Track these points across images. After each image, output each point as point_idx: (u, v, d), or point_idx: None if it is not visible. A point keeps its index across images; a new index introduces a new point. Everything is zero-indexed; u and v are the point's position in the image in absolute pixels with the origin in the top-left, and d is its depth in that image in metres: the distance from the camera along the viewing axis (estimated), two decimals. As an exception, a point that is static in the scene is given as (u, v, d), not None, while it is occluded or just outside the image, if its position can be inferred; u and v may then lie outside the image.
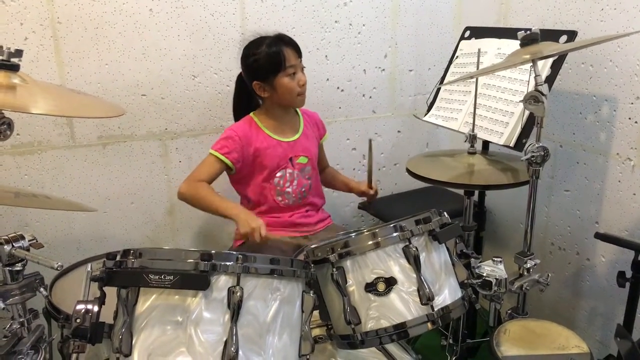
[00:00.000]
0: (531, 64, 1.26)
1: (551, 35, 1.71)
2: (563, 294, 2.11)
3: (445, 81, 2.06)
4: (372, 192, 1.95)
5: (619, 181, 1.83)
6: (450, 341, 1.70)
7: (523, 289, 1.39)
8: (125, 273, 0.92)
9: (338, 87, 2.38)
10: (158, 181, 2.18)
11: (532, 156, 1.32)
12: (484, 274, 1.31)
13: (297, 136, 1.92)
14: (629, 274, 1.55)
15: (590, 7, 1.84)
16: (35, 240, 1.11)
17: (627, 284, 1.55)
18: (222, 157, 1.79)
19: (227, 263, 0.91)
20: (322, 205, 2.03)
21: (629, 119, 1.77)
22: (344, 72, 2.37)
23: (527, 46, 1.29)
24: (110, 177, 2.09)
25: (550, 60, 1.65)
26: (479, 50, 1.66)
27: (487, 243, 2.33)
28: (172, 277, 0.88)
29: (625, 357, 1.09)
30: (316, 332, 1.25)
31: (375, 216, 2.44)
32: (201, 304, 0.90)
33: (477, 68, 1.66)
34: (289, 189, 1.89)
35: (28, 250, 1.09)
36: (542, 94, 1.27)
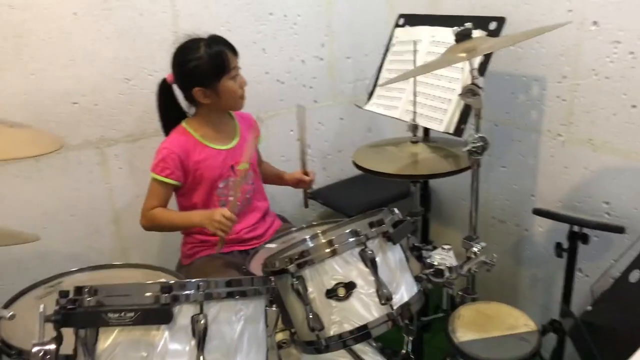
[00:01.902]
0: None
1: (481, 22, 1.76)
2: (506, 263, 2.22)
3: (383, 70, 2.09)
4: (308, 178, 1.92)
5: (551, 156, 1.94)
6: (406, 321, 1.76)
7: (471, 271, 1.46)
8: (82, 313, 0.89)
9: (278, 80, 2.36)
10: (99, 190, 2.10)
11: (473, 147, 1.38)
12: (435, 263, 1.37)
13: (235, 142, 1.85)
14: (565, 245, 1.67)
15: (516, -10, 1.90)
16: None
17: (564, 254, 1.67)
18: (166, 180, 1.73)
19: (189, 292, 0.91)
20: (267, 208, 1.98)
21: (557, 97, 1.87)
22: (283, 64, 2.35)
23: (462, 42, 1.32)
24: (47, 192, 2.00)
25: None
26: (415, 42, 1.69)
27: (433, 221, 2.41)
28: (132, 314, 0.87)
29: (569, 333, 1.17)
30: (279, 336, 1.27)
31: (324, 205, 2.47)
32: (165, 336, 0.89)
33: (415, 62, 1.69)
34: (232, 198, 1.80)
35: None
36: (479, 87, 1.32)
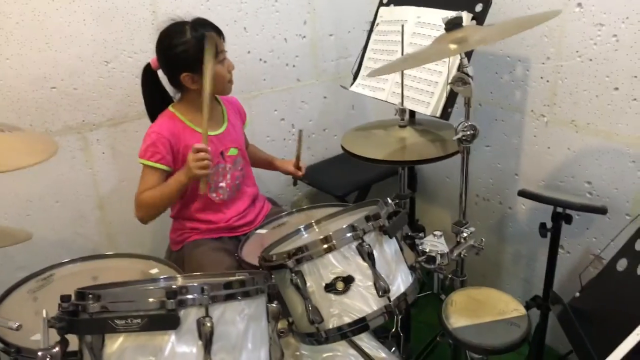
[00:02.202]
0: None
1: (467, 4, 1.76)
2: (490, 239, 2.25)
3: (368, 51, 2.07)
4: (300, 173, 1.97)
5: (535, 136, 1.97)
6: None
7: (461, 256, 1.50)
8: (87, 320, 0.89)
9: (260, 59, 2.33)
10: (82, 175, 2.07)
11: (463, 135, 1.39)
12: (427, 250, 1.40)
13: (223, 128, 1.83)
14: (549, 225, 1.72)
15: (501, -32, 1.89)
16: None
17: (548, 234, 1.72)
18: (157, 165, 1.68)
19: (194, 296, 0.91)
20: (257, 194, 1.97)
21: (541, 78, 1.89)
22: (265, 42, 2.31)
23: (452, 31, 1.32)
24: (30, 178, 1.96)
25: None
26: (402, 26, 1.68)
27: (418, 199, 2.45)
28: (139, 321, 0.87)
29: (558, 318, 1.23)
30: (278, 326, 1.29)
31: (310, 185, 2.48)
32: (172, 340, 0.90)
33: (402, 49, 1.68)
34: (222, 184, 1.81)
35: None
36: (469, 76, 1.33)
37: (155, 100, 1.80)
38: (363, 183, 2.35)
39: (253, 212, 1.91)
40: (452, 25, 1.32)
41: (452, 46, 1.27)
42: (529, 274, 2.15)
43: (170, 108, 1.78)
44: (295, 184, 2.08)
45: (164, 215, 1.93)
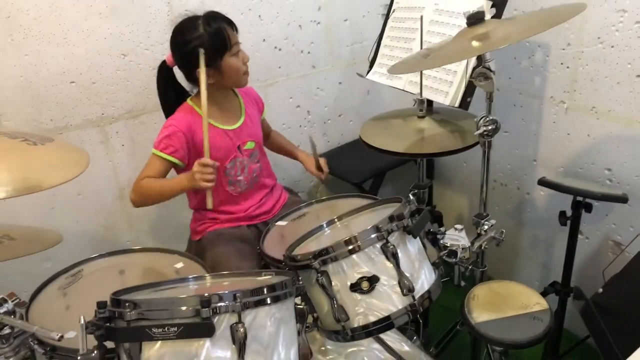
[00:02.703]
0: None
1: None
2: (507, 224, 2.29)
3: (384, 38, 2.05)
4: (323, 176, 1.98)
5: (554, 122, 1.96)
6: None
7: (482, 248, 1.51)
8: (126, 328, 0.93)
9: (275, 47, 2.32)
10: (103, 168, 2.10)
11: (485, 130, 1.39)
12: (448, 244, 1.42)
13: (241, 121, 1.84)
14: (569, 214, 1.72)
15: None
16: (18, 300, 1.07)
17: (568, 222, 1.73)
18: (169, 157, 1.70)
19: (227, 303, 0.94)
20: (275, 184, 2.00)
21: (561, 64, 1.87)
22: (280, 30, 2.30)
23: (474, 25, 1.31)
24: (52, 173, 1.99)
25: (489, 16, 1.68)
26: (422, 18, 1.66)
27: (435, 184, 2.45)
28: (176, 329, 0.90)
29: (581, 313, 1.24)
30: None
31: (327, 172, 2.49)
32: (207, 345, 0.93)
33: (421, 42, 1.67)
34: (240, 177, 1.83)
35: (14, 314, 1.06)
36: (491, 71, 1.32)
37: (170, 97, 1.82)
38: (379, 170, 2.35)
39: (271, 202, 1.95)
40: (474, 20, 1.30)
41: (475, 44, 1.26)
42: (547, 259, 2.16)
43: (188, 101, 1.79)
44: (322, 182, 2.09)
45: (184, 206, 1.96)
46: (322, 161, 1.96)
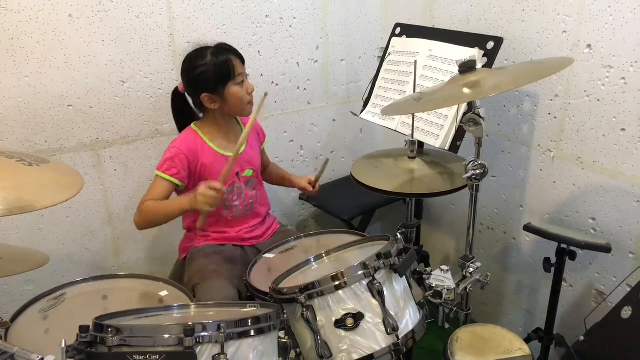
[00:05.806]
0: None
1: (479, 41, 1.80)
2: (493, 267, 2.30)
3: (379, 79, 2.11)
4: (312, 190, 2.04)
5: (541, 170, 2.00)
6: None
7: (467, 290, 1.52)
8: (107, 355, 0.92)
9: (272, 82, 2.37)
10: (93, 192, 2.10)
11: (473, 174, 1.42)
12: (434, 285, 1.43)
13: (242, 149, 1.87)
14: (553, 260, 1.74)
15: (512, 6, 1.93)
16: (0, 320, 1.06)
17: (552, 269, 1.75)
18: (171, 179, 1.75)
19: (211, 333, 0.94)
20: (267, 212, 2.04)
21: (549, 114, 1.92)
22: (278, 66, 2.35)
23: (466, 73, 1.35)
24: (42, 195, 1.99)
25: (480, 65, 1.74)
26: (415, 63, 1.71)
27: (424, 225, 2.47)
28: (157, 357, 0.90)
29: (561, 360, 1.25)
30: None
31: (316, 207, 2.51)
32: (188, 375, 0.93)
33: (414, 85, 1.73)
34: (236, 203, 1.89)
35: (-6, 334, 1.05)
36: (480, 117, 1.36)
37: (182, 120, 1.91)
38: (369, 207, 2.37)
39: (262, 228, 1.99)
40: (466, 68, 1.35)
41: (466, 91, 1.31)
42: (531, 305, 2.17)
43: (192, 125, 1.87)
44: (303, 198, 2.15)
45: (172, 231, 1.97)
46: (317, 182, 2.04)
